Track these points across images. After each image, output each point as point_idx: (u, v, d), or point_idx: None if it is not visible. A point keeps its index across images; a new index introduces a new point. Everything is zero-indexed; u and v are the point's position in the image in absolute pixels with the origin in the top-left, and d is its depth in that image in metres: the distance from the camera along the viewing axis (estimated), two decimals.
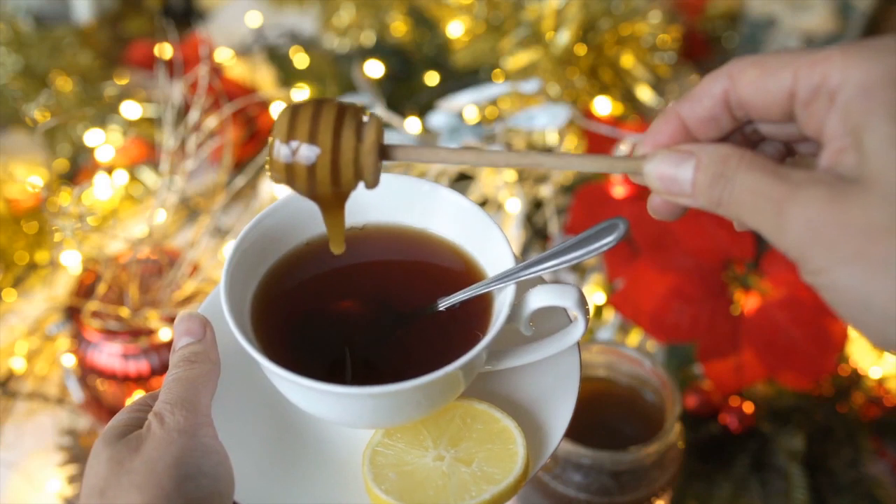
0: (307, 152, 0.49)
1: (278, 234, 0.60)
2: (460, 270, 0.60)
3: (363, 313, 0.59)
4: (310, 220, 0.59)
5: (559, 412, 0.58)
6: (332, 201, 0.53)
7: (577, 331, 0.57)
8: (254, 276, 0.59)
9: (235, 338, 0.53)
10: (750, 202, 0.43)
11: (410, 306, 0.59)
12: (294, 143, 0.49)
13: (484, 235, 0.59)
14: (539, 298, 0.55)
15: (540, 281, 0.61)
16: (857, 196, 0.40)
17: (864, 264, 0.40)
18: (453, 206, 0.60)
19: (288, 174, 0.50)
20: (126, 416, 0.54)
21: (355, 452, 0.58)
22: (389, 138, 1.08)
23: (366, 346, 0.58)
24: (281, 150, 0.49)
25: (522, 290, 0.56)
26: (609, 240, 0.53)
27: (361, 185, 0.51)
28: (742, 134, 0.49)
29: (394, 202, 0.62)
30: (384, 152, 0.50)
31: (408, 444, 0.57)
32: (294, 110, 0.50)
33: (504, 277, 0.56)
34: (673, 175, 0.46)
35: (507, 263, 0.56)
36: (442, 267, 0.61)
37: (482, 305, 0.58)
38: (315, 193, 0.51)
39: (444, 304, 0.58)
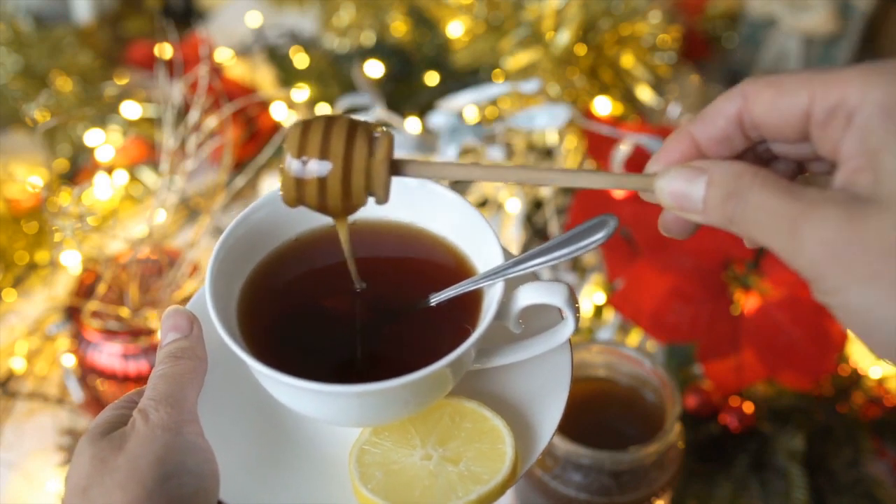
0: (319, 166, 0.49)
1: (267, 230, 0.60)
2: (450, 266, 0.60)
3: (352, 309, 0.59)
4: (299, 216, 0.58)
5: (549, 412, 0.57)
6: (341, 216, 0.53)
7: (566, 329, 0.56)
8: (242, 271, 0.59)
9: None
10: (763, 220, 0.42)
11: (400, 302, 0.59)
12: (306, 157, 0.49)
13: (473, 230, 0.59)
14: (527, 296, 0.55)
15: (532, 278, 0.60)
16: (873, 216, 0.40)
17: (880, 285, 0.39)
18: (442, 201, 0.60)
19: (299, 188, 0.50)
20: (111, 414, 0.53)
21: (343, 451, 0.57)
22: None
23: (354, 343, 0.58)
24: (293, 164, 0.50)
25: (512, 287, 0.55)
26: (598, 237, 0.53)
27: (371, 200, 0.51)
28: (754, 153, 0.49)
29: None
30: (395, 167, 0.50)
31: (395, 442, 0.57)
32: (306, 125, 0.50)
33: (493, 274, 0.55)
34: (685, 191, 0.45)
35: (497, 260, 0.56)
36: (432, 262, 0.61)
37: (472, 302, 0.57)
38: (326, 207, 0.51)
39: (433, 300, 0.57)
